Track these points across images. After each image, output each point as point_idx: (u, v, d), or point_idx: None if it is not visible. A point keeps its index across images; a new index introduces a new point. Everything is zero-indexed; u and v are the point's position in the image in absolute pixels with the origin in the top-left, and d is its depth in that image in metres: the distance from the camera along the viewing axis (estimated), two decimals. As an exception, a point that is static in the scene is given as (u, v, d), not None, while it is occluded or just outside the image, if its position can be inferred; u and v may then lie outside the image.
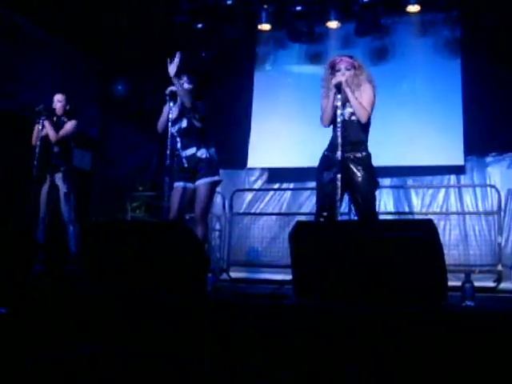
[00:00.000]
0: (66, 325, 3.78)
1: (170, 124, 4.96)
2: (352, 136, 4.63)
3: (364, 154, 4.67)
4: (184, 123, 5.07)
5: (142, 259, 3.91)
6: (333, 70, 4.78)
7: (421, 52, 8.30)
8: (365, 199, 4.61)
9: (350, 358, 2.92)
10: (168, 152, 4.91)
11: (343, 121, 4.57)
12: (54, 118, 6.19)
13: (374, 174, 4.71)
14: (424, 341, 2.79)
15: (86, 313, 3.76)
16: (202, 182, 4.97)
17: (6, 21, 7.50)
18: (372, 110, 4.69)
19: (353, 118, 4.68)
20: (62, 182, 6.10)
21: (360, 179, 4.60)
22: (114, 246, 4.06)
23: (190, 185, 5.02)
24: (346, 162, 4.58)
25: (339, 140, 4.49)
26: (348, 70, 4.73)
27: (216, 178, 5.07)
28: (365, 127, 4.71)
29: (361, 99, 4.62)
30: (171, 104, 5.00)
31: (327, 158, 4.70)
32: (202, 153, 5.03)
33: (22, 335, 3.84)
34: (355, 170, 4.62)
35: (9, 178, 6.99)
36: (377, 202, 4.81)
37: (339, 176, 4.39)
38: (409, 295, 3.12)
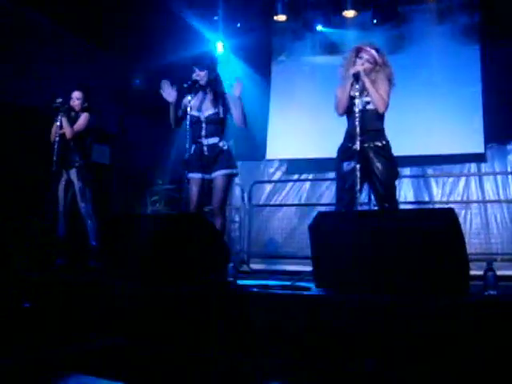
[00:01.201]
0: (87, 318, 3.81)
1: (188, 117, 4.94)
2: (370, 125, 4.61)
3: (384, 142, 4.64)
4: (210, 111, 5.06)
5: (162, 252, 3.93)
6: (356, 54, 4.75)
7: (438, 39, 8.21)
8: (386, 188, 4.58)
9: (370, 349, 2.91)
10: (187, 145, 4.90)
11: (360, 110, 4.55)
12: (72, 114, 6.22)
13: (395, 163, 4.67)
14: (446, 330, 2.78)
15: (107, 305, 3.79)
16: (220, 174, 4.96)
17: (25, 18, 7.55)
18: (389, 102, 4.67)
19: (368, 107, 4.65)
20: (77, 178, 6.14)
21: (381, 168, 4.57)
22: (133, 239, 4.09)
23: (207, 176, 5.02)
24: (366, 151, 4.56)
25: (357, 130, 4.47)
26: (369, 62, 4.70)
27: (234, 170, 5.06)
28: (381, 116, 4.68)
29: (379, 89, 4.60)
30: (189, 97, 4.98)
31: (346, 148, 4.68)
32: (224, 144, 5.02)
33: (45, 329, 3.88)
34: (376, 159, 4.59)
35: (30, 173, 7.05)
36: (397, 192, 4.77)
37: (358, 166, 4.38)
38: (431, 285, 3.10)
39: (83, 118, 6.19)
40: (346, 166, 4.59)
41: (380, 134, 4.67)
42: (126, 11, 8.07)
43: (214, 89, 5.09)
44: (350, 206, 4.52)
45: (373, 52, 4.74)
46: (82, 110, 6.26)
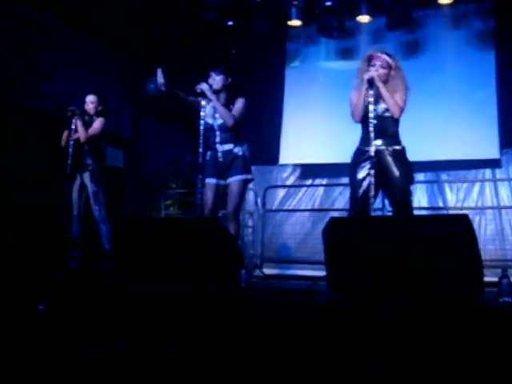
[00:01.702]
0: (101, 321, 3.83)
1: (202, 121, 4.96)
2: (386, 130, 4.61)
3: (400, 147, 4.63)
4: (221, 119, 5.07)
5: (176, 256, 3.95)
6: (369, 63, 4.74)
7: (453, 45, 8.19)
8: (402, 194, 4.55)
9: (384, 354, 2.91)
10: (201, 149, 4.92)
11: (377, 116, 4.55)
12: (86, 118, 6.27)
13: (411, 168, 4.65)
14: (460, 336, 2.77)
15: (121, 309, 3.81)
16: (235, 179, 4.97)
17: (42, 23, 7.61)
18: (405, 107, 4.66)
19: (386, 114, 4.64)
20: (90, 181, 6.17)
21: (397, 173, 4.53)
22: (147, 243, 4.10)
23: (222, 182, 5.03)
24: (383, 155, 4.55)
25: (371, 135, 4.46)
26: (383, 67, 4.68)
27: (249, 176, 5.07)
28: (397, 121, 4.67)
29: (394, 95, 4.59)
30: (203, 102, 5.00)
31: (360, 153, 4.67)
32: (239, 150, 5.03)
33: (60, 331, 3.90)
34: (392, 163, 4.56)
35: (44, 176, 7.10)
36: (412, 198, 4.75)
37: (373, 172, 4.37)
38: (445, 291, 3.09)
39: (98, 123, 6.23)
40: (360, 170, 4.58)
41: (396, 138, 4.66)
42: (141, 15, 8.12)
43: (228, 95, 5.10)
44: (363, 211, 4.51)
45: (385, 57, 4.74)
46: (97, 114, 6.30)
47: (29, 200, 6.91)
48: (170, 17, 8.26)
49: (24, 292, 4.35)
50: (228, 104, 5.06)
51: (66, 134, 6.12)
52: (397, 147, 4.61)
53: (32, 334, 3.86)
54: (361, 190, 4.56)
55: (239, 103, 5.06)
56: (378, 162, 4.46)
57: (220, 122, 5.04)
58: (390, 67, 4.70)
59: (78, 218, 6.18)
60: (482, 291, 3.10)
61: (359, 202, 4.58)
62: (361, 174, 4.60)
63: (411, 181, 4.65)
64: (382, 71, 4.66)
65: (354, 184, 4.68)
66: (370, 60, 4.75)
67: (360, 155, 4.66)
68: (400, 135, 4.69)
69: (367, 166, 4.49)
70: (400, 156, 4.60)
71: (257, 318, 3.33)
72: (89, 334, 3.77)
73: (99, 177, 6.22)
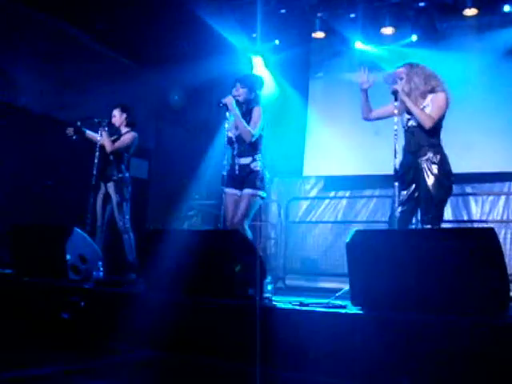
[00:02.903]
0: (124, 330, 3.85)
1: (226, 133, 5.00)
2: (421, 140, 4.58)
3: (438, 157, 4.53)
4: (238, 131, 5.09)
5: (199, 267, 3.95)
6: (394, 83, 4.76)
7: (478, 56, 8.13)
8: (429, 208, 4.48)
9: (405, 368, 2.88)
10: (224, 161, 4.95)
11: (406, 127, 4.57)
12: (111, 129, 6.33)
13: (446, 181, 4.53)
14: (484, 351, 2.73)
15: (144, 319, 3.82)
16: (247, 192, 4.99)
17: (68, 34, 7.73)
18: (442, 115, 4.62)
19: (413, 123, 4.63)
20: (114, 192, 6.21)
21: (428, 185, 4.47)
22: (171, 254, 4.11)
23: (239, 193, 5.04)
24: (419, 166, 4.54)
25: (395, 147, 4.46)
26: (401, 78, 4.70)
27: (259, 191, 5.04)
28: (431, 131, 4.59)
29: (431, 107, 4.56)
30: (227, 113, 5.02)
31: (400, 164, 4.62)
32: (256, 165, 5.03)
33: (84, 339, 3.93)
34: (425, 174, 4.50)
35: (70, 186, 7.18)
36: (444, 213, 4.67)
37: (396, 184, 4.35)
38: (470, 305, 3.05)
39: (129, 137, 6.28)
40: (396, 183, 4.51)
41: (433, 148, 4.57)
42: (165, 28, 8.20)
43: (250, 108, 5.12)
44: (390, 222, 4.52)
45: (397, 70, 4.76)
46: (124, 125, 6.36)
47: (53, 210, 6.99)
48: (194, 28, 8.32)
49: (48, 302, 4.39)
50: (247, 115, 5.08)
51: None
52: (433, 157, 4.53)
53: (57, 341, 3.89)
54: (396, 203, 4.53)
55: (255, 113, 5.07)
56: (413, 173, 4.51)
57: (238, 133, 5.06)
58: (406, 74, 4.71)
59: (101, 228, 6.22)
60: (507, 306, 3.06)
61: (392, 215, 4.59)
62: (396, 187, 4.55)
63: (445, 193, 4.56)
64: (400, 82, 4.67)
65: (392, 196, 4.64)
66: (391, 79, 4.79)
67: (400, 166, 4.61)
68: (437, 145, 4.63)
69: (400, 179, 4.50)
70: (436, 166, 4.49)
71: (278, 329, 3.32)
72: (110, 343, 3.80)
73: (123, 187, 6.26)
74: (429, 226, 4.44)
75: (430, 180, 4.47)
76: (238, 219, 4.95)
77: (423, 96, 4.64)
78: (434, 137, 4.60)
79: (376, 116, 4.95)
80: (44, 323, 4.29)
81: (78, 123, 6.20)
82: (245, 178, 5.01)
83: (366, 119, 5.01)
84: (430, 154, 4.54)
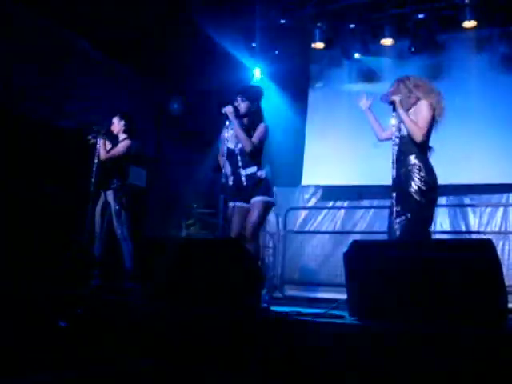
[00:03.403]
0: (123, 339, 3.84)
1: (226, 142, 4.99)
2: (403, 150, 4.61)
3: (419, 165, 4.55)
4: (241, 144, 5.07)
5: (197, 276, 3.95)
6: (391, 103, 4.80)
7: (477, 68, 8.16)
8: (411, 217, 4.50)
9: (404, 379, 2.88)
10: (223, 170, 4.95)
11: (398, 137, 4.59)
12: (110, 137, 6.35)
13: (428, 188, 4.50)
14: (481, 363, 2.73)
15: (141, 328, 3.82)
16: (257, 200, 4.95)
17: (69, 43, 7.75)
18: (430, 124, 4.63)
19: (404, 133, 4.66)
20: (113, 200, 6.22)
21: (407, 193, 4.50)
22: (168, 262, 4.11)
23: (246, 205, 5.01)
24: (401, 176, 4.56)
25: (393, 157, 4.48)
26: (399, 92, 4.76)
27: (271, 199, 5.04)
28: (419, 143, 4.62)
29: (417, 118, 4.59)
30: (227, 123, 5.02)
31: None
32: (262, 173, 5.02)
33: (82, 348, 3.92)
34: (406, 183, 4.53)
35: (68, 194, 7.17)
36: (430, 222, 4.66)
37: (394, 194, 4.37)
38: (467, 317, 3.06)
39: (123, 145, 6.30)
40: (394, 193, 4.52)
41: (418, 156, 4.59)
42: (164, 37, 8.23)
43: (252, 122, 5.10)
44: (388, 234, 4.53)
45: (393, 86, 4.84)
46: (123, 134, 6.37)
47: (51, 218, 6.98)
48: (194, 38, 8.35)
49: (46, 309, 4.39)
50: (249, 129, 5.06)
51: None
52: (415, 166, 4.56)
53: (54, 350, 3.88)
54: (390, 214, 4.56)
55: (260, 129, 5.05)
56: (398, 182, 4.49)
57: (240, 146, 5.04)
58: (398, 86, 4.76)
59: (100, 236, 6.22)
60: (505, 318, 3.06)
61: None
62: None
63: (427, 204, 4.51)
64: (396, 95, 4.72)
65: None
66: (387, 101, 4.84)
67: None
68: (426, 155, 4.65)
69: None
70: (417, 175, 4.52)
71: (276, 340, 3.31)
72: (107, 352, 3.79)
73: (122, 195, 6.26)
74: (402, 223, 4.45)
75: (411, 187, 4.49)
76: (251, 228, 4.90)
77: (408, 108, 4.68)
78: (419, 145, 4.60)
79: (386, 137, 4.99)
80: (41, 331, 4.28)
81: (95, 128, 6.22)
82: (253, 187, 4.99)
83: (380, 140, 5.07)
84: (412, 162, 4.57)
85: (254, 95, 5.20)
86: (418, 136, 4.53)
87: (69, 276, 5.42)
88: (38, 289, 4.78)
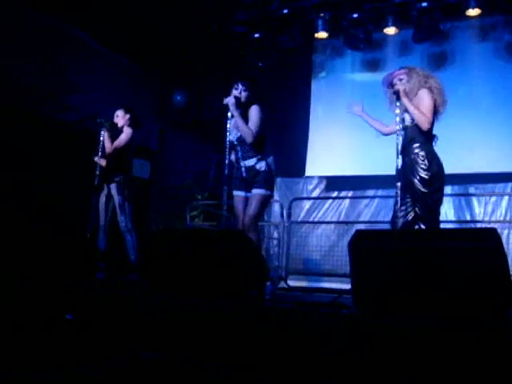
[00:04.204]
0: (127, 331, 3.85)
1: (228, 133, 4.99)
2: (407, 139, 4.61)
3: (423, 153, 4.55)
4: (239, 133, 5.07)
5: (201, 267, 3.95)
6: (390, 86, 4.79)
7: (481, 57, 8.14)
8: (422, 206, 4.51)
9: (407, 371, 2.87)
10: (226, 161, 4.95)
11: (403, 127, 4.57)
12: (114, 131, 6.33)
13: (435, 177, 4.52)
14: (487, 355, 2.72)
15: (146, 320, 3.82)
16: (256, 192, 4.97)
17: (71, 36, 7.74)
18: (434, 114, 4.61)
19: (409, 123, 4.65)
20: (116, 193, 6.20)
21: (416, 183, 4.52)
22: (173, 254, 4.11)
23: (249, 194, 5.03)
24: (406, 165, 4.55)
25: (399, 147, 4.47)
26: (400, 80, 4.74)
27: (268, 192, 5.03)
28: (425, 131, 4.61)
29: (420, 107, 4.57)
30: (229, 114, 5.01)
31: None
32: (261, 166, 5.01)
33: (87, 340, 3.93)
34: (412, 173, 4.54)
35: (72, 187, 7.18)
36: (439, 210, 4.66)
37: (399, 184, 4.36)
38: (472, 307, 3.05)
39: (125, 135, 6.28)
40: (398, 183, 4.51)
41: (420, 145, 4.59)
42: (168, 29, 8.21)
43: (247, 108, 5.09)
44: (393, 224, 4.52)
45: (397, 71, 4.82)
46: (128, 127, 6.35)
47: (56, 211, 6.99)
48: (198, 29, 8.33)
49: (51, 302, 4.40)
50: (246, 115, 5.06)
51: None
52: (420, 154, 4.56)
53: (60, 343, 3.89)
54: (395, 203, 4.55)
55: (253, 112, 5.02)
56: (403, 172, 4.47)
57: (238, 135, 5.04)
58: (406, 74, 4.74)
59: (104, 229, 6.23)
60: (510, 307, 3.05)
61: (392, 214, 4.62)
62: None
63: (434, 192, 4.54)
64: (400, 84, 4.70)
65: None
66: (390, 84, 4.82)
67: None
68: (431, 143, 4.64)
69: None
70: (423, 163, 4.52)
71: (281, 331, 3.31)
72: (113, 344, 3.79)
73: (125, 188, 6.26)
74: (422, 226, 4.45)
75: (416, 177, 4.49)
76: (249, 220, 4.94)
77: (411, 98, 4.67)
78: (424, 134, 4.60)
79: (390, 131, 4.97)
80: (47, 324, 4.29)
81: (98, 120, 6.21)
82: (252, 179, 5.00)
83: (385, 135, 5.07)
84: (416, 151, 4.56)
85: (253, 87, 5.20)
86: (424, 124, 4.52)
87: (74, 269, 5.42)
88: (43, 282, 4.79)
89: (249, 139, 4.93)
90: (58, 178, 7.23)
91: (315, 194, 9.34)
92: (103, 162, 6.15)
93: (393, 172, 4.55)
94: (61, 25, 7.62)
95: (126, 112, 6.42)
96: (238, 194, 5.05)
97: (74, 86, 7.71)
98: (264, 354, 3.25)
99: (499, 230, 3.26)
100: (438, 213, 4.58)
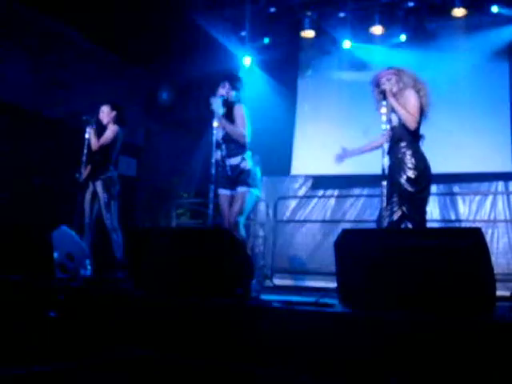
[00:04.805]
0: (113, 329, 3.83)
1: (214, 132, 4.99)
2: (395, 139, 4.62)
3: (410, 152, 4.56)
4: (224, 131, 5.08)
5: (187, 265, 3.94)
6: (378, 85, 4.79)
7: (467, 56, 8.16)
8: (408, 206, 4.53)
9: (394, 369, 2.88)
10: (212, 160, 4.95)
11: (391, 127, 4.58)
12: (100, 127, 6.30)
13: (421, 176, 4.52)
14: (470, 351, 2.74)
15: (132, 318, 3.81)
16: (241, 190, 4.99)
17: (57, 32, 7.69)
18: (420, 114, 4.63)
19: (397, 123, 4.66)
20: (102, 190, 6.17)
21: (402, 182, 4.53)
22: (158, 252, 4.10)
23: (234, 192, 5.04)
24: (392, 163, 4.58)
25: (385, 145, 4.49)
26: (388, 80, 4.74)
27: (252, 189, 5.04)
28: (411, 130, 4.63)
29: (406, 106, 4.58)
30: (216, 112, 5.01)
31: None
32: (245, 165, 5.02)
33: (71, 338, 3.90)
34: (397, 172, 4.56)
35: (57, 184, 7.14)
36: (424, 209, 4.68)
37: (384, 183, 4.37)
38: (456, 305, 3.06)
39: (110, 131, 6.25)
40: (384, 182, 4.53)
41: (409, 145, 4.61)
42: (153, 26, 8.18)
43: (231, 107, 5.09)
44: (378, 223, 4.52)
45: (385, 71, 4.82)
46: (113, 124, 6.32)
47: (41, 208, 6.95)
48: (183, 26, 8.31)
49: (35, 299, 4.37)
50: (230, 114, 5.06)
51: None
52: (406, 153, 4.57)
53: (43, 340, 3.87)
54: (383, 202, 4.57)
55: (238, 112, 5.04)
56: (390, 171, 4.49)
57: (223, 133, 5.04)
58: (394, 74, 4.75)
59: (89, 227, 6.20)
60: (493, 305, 3.07)
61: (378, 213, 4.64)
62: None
63: (420, 191, 4.54)
64: (388, 83, 4.71)
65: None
66: (377, 84, 4.81)
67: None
68: (417, 142, 4.66)
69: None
70: (409, 162, 4.53)
71: (266, 329, 3.31)
72: (97, 342, 3.78)
73: (111, 186, 6.23)
74: (409, 225, 4.47)
75: (402, 176, 4.50)
76: (233, 218, 4.96)
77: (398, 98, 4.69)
78: (411, 134, 4.61)
79: (382, 142, 4.82)
80: (30, 322, 4.26)
81: (84, 118, 6.17)
82: (237, 177, 5.01)
83: (379, 148, 4.90)
84: (403, 150, 4.57)
85: (240, 85, 5.21)
86: (412, 123, 4.54)
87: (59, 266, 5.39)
88: (27, 279, 4.76)
89: (240, 140, 4.96)
90: (43, 175, 7.19)
91: (301, 192, 9.34)
92: (86, 172, 6.15)
93: (379, 171, 4.56)
94: (48, 21, 7.57)
95: (113, 109, 6.38)
96: (224, 192, 5.06)
97: (60, 82, 7.67)
98: (249, 352, 3.25)
99: (483, 229, 3.28)
100: (424, 212, 4.60)
